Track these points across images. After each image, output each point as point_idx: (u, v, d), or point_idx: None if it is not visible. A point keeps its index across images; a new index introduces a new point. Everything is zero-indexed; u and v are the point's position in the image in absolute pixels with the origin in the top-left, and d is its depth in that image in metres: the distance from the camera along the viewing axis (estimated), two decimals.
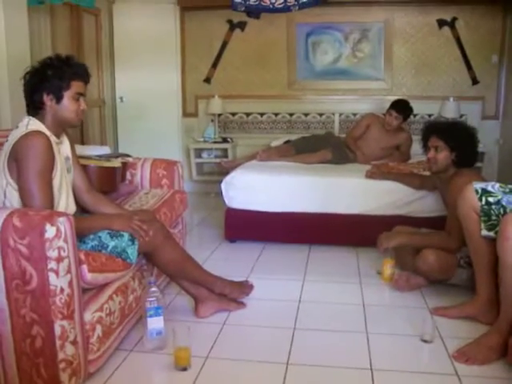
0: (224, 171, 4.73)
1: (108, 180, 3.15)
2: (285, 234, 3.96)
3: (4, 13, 3.39)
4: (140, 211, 2.70)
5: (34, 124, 2.22)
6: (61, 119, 2.28)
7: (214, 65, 6.00)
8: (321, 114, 5.92)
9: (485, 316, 2.58)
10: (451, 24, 5.58)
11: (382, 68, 5.78)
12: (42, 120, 2.25)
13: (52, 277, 1.86)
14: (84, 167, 2.75)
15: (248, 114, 6.05)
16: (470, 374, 2.18)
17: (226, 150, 5.91)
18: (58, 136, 2.32)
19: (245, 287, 2.87)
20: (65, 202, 2.32)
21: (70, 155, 2.44)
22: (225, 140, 5.92)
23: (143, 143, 5.72)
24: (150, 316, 2.32)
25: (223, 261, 3.67)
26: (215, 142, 5.90)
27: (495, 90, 5.65)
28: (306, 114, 5.95)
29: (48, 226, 1.84)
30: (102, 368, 2.19)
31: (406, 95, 5.42)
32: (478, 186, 2.53)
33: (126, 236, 2.32)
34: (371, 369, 2.23)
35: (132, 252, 2.32)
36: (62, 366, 1.94)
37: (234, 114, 6.07)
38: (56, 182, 2.23)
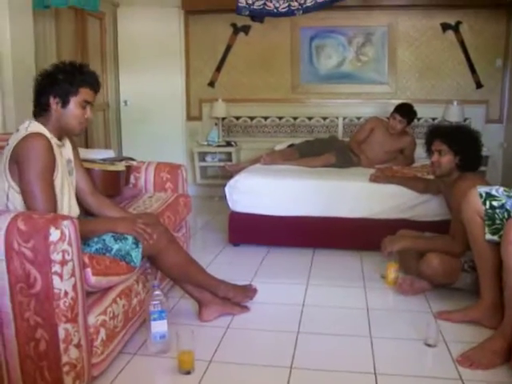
0: (228, 175, 4.73)
1: (112, 183, 3.15)
2: (289, 237, 3.96)
3: (10, 17, 3.40)
4: (144, 214, 2.71)
5: (35, 126, 2.23)
6: (63, 124, 2.29)
7: (218, 68, 6.02)
8: (325, 118, 5.93)
9: (489, 320, 2.57)
10: (455, 28, 5.58)
11: (386, 72, 5.78)
12: (45, 122, 2.26)
13: (56, 280, 1.86)
14: (88, 171, 2.76)
15: (252, 118, 6.06)
16: (474, 379, 2.17)
17: (229, 154, 5.92)
18: (60, 139, 2.33)
19: (248, 291, 2.87)
20: (67, 204, 2.32)
21: (71, 158, 2.44)
22: (229, 144, 5.93)
23: (147, 147, 5.72)
24: (154, 319, 2.32)
25: (227, 264, 3.66)
26: (219, 146, 5.91)
27: (499, 94, 5.64)
28: (310, 118, 5.95)
29: (52, 230, 1.84)
30: (106, 371, 2.19)
31: (409, 99, 5.43)
32: (482, 189, 2.52)
33: (130, 239, 2.32)
34: (375, 373, 2.22)
35: (136, 255, 2.32)
36: (65, 369, 1.94)
37: (237, 118, 6.08)
38: (57, 184, 2.23)
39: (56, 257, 1.85)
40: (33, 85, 2.29)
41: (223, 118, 6.02)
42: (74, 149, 2.49)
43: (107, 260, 2.20)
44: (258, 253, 3.88)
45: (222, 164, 5.69)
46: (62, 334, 1.90)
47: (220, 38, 5.95)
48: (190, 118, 6.16)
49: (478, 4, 5.37)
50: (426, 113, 5.57)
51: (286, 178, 4.05)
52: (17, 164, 2.13)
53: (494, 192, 2.50)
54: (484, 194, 2.50)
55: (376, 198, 3.82)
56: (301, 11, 4.70)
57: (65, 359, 1.93)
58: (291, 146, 5.13)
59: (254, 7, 4.70)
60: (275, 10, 4.69)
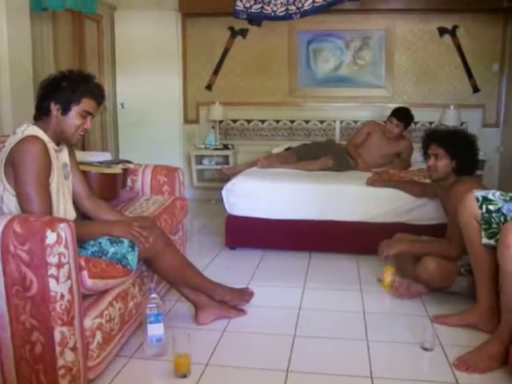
0: (225, 178, 4.73)
1: (109, 186, 3.15)
2: (285, 241, 3.95)
3: (7, 19, 3.41)
4: (140, 218, 2.71)
5: (32, 129, 2.23)
6: (60, 132, 2.29)
7: (216, 71, 6.02)
8: (322, 122, 5.94)
9: (485, 324, 2.57)
10: (452, 32, 5.60)
11: (383, 76, 5.80)
12: (44, 127, 2.27)
13: (52, 283, 1.86)
14: (85, 174, 2.76)
15: (249, 121, 6.06)
16: (470, 383, 2.17)
17: (226, 157, 5.92)
18: (57, 144, 2.33)
19: (245, 294, 2.87)
20: (63, 208, 2.32)
21: (68, 162, 2.44)
22: (226, 147, 5.93)
23: (144, 149, 5.71)
24: (150, 322, 2.32)
25: (223, 268, 3.66)
26: (216, 149, 5.91)
27: (496, 98, 5.67)
28: (307, 121, 5.96)
29: (49, 232, 1.84)
30: (102, 374, 2.18)
31: (406, 103, 5.45)
32: (479, 193, 2.53)
33: (126, 242, 2.32)
34: (371, 377, 2.22)
35: (132, 258, 2.32)
36: (61, 372, 1.93)
37: (235, 121, 6.09)
38: (53, 188, 2.23)
39: (52, 259, 1.84)
40: (37, 88, 2.30)
41: (220, 121, 6.03)
42: (71, 153, 2.49)
43: (103, 263, 2.19)
44: (254, 256, 3.88)
45: (219, 167, 5.69)
46: (57, 336, 1.90)
47: (217, 41, 5.95)
48: (187, 120, 6.16)
49: (474, 8, 5.38)
50: (423, 117, 5.58)
51: (283, 181, 4.05)
52: (12, 167, 2.13)
53: (490, 196, 2.50)
54: (480, 198, 2.50)
55: (373, 201, 3.83)
56: (298, 15, 4.69)
57: (60, 362, 1.92)
58: (288, 149, 5.13)
59: (252, 11, 4.70)
60: (273, 14, 4.69)
